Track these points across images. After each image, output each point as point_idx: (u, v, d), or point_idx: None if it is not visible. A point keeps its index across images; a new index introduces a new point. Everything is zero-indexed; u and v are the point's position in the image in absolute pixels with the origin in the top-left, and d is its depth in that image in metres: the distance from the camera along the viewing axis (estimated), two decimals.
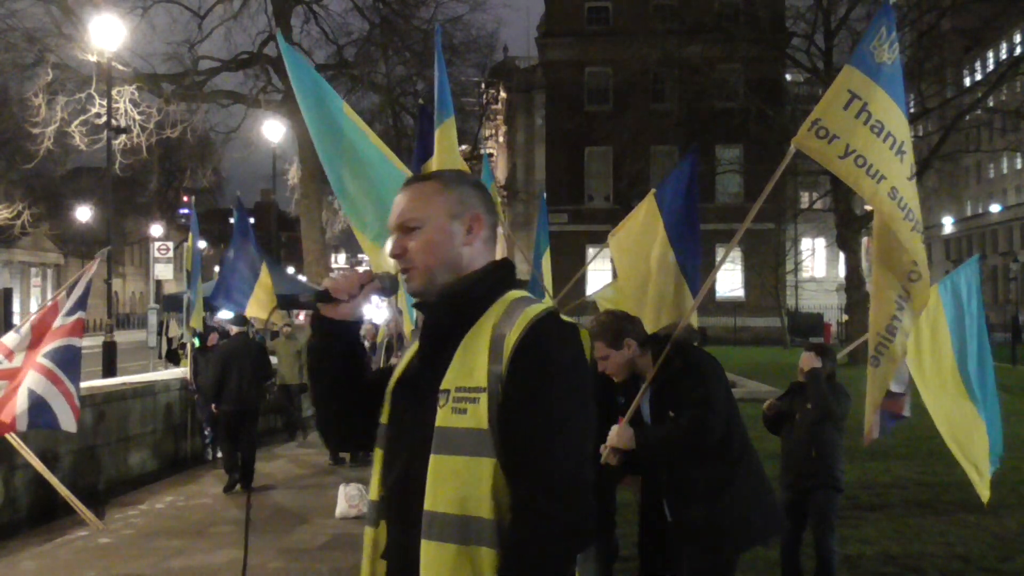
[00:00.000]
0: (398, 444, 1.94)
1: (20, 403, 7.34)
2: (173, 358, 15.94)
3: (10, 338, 7.71)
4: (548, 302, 1.94)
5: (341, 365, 2.06)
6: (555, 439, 1.77)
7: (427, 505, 1.80)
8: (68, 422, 7.54)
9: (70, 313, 7.66)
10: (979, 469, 5.17)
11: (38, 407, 7.38)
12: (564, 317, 1.89)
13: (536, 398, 1.78)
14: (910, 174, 4.38)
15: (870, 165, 4.29)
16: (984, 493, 5.22)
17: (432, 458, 1.81)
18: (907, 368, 4.57)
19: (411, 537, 1.82)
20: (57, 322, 7.63)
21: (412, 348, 2.06)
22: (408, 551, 1.82)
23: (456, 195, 1.99)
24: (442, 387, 1.84)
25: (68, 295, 7.84)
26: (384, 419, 2.01)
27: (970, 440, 5.16)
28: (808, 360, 5.56)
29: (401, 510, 1.89)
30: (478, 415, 1.80)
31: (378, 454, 2.00)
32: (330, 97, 6.17)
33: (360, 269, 2.16)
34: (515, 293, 1.95)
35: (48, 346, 7.52)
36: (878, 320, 4.50)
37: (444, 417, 1.82)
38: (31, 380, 7.41)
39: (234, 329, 10.95)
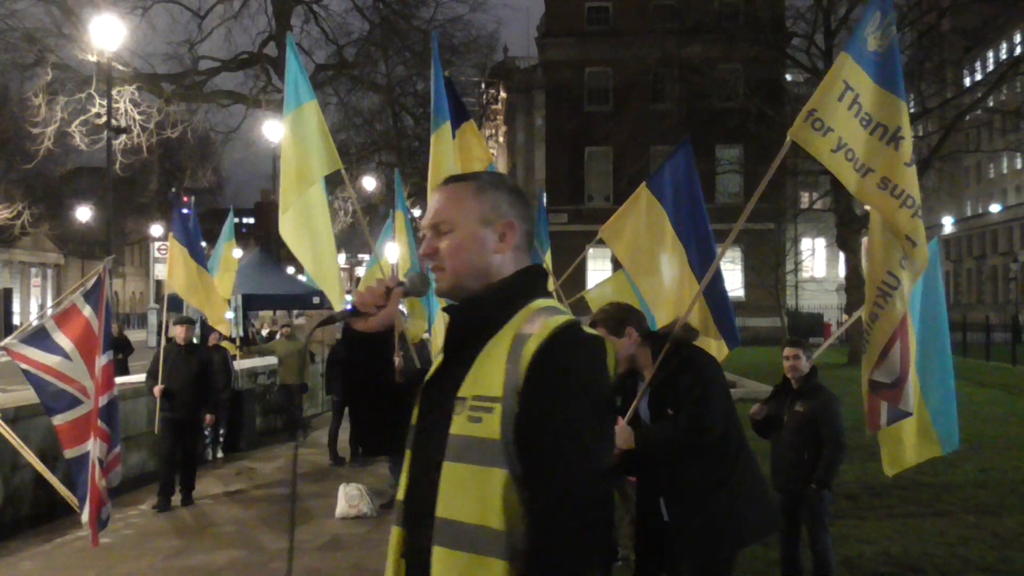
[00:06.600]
0: (420, 446, 1.94)
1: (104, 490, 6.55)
2: None
3: (67, 366, 6.62)
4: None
5: (364, 373, 2.09)
6: (570, 452, 1.74)
7: (439, 511, 1.80)
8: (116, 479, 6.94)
9: (104, 350, 6.72)
10: (901, 448, 5.05)
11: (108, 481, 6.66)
12: (587, 329, 1.85)
13: (553, 410, 1.75)
14: (908, 160, 4.32)
15: (857, 159, 4.30)
16: (889, 470, 5.14)
17: (445, 465, 1.81)
18: (898, 359, 4.54)
19: (424, 540, 1.82)
20: (100, 359, 6.68)
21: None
22: (422, 554, 1.82)
23: (490, 201, 1.97)
24: (459, 394, 1.83)
25: (87, 302, 6.81)
26: (413, 420, 1.99)
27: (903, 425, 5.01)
28: (793, 353, 5.56)
29: (416, 513, 1.89)
30: (492, 425, 1.77)
31: (407, 454, 1.99)
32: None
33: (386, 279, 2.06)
34: (541, 302, 1.90)
35: (102, 400, 6.64)
36: (865, 308, 4.54)
37: (459, 425, 1.80)
38: (98, 450, 6.53)
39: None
